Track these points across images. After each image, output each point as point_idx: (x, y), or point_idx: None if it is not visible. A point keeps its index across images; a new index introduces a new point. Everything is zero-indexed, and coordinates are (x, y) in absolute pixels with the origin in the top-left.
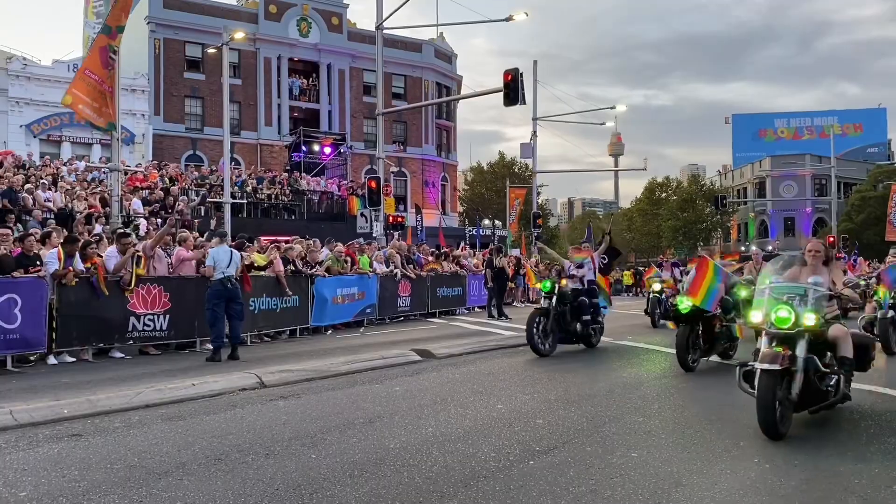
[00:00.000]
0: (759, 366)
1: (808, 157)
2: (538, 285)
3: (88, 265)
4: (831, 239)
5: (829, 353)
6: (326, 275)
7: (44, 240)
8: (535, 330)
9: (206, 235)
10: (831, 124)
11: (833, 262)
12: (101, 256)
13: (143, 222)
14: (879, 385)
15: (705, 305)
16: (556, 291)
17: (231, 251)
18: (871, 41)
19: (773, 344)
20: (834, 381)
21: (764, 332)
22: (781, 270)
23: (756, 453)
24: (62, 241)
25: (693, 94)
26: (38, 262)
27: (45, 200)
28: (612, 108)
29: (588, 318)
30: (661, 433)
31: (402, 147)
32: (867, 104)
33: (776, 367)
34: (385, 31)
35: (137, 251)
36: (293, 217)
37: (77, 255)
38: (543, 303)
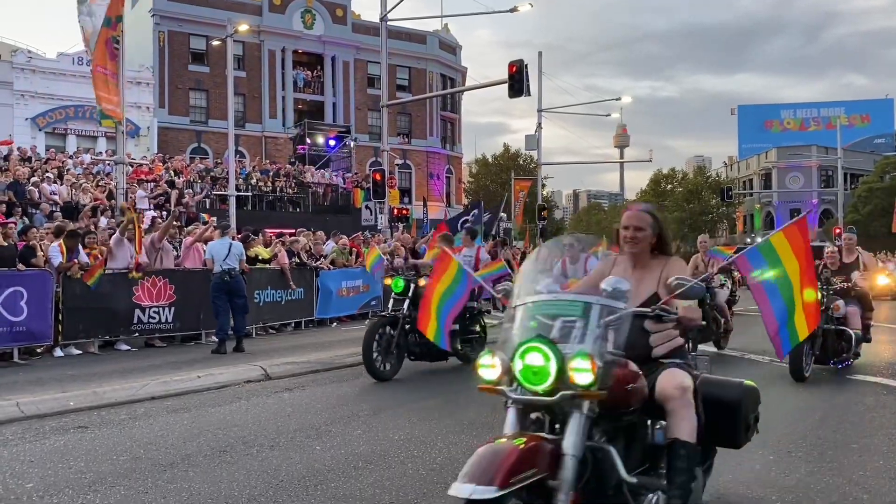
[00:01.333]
0: (456, 489)
1: (814, 149)
2: (388, 282)
3: (93, 259)
4: (837, 230)
5: (661, 425)
6: (331, 267)
7: (59, 233)
8: (374, 345)
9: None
10: (838, 115)
11: (671, 250)
12: (105, 248)
13: (148, 214)
14: (885, 377)
15: (438, 341)
16: (409, 293)
17: (230, 243)
18: (878, 31)
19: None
20: (655, 501)
21: (508, 401)
22: (562, 268)
23: (760, 445)
24: (64, 234)
25: (699, 85)
26: (37, 255)
27: (50, 193)
28: (617, 99)
29: (456, 326)
30: None
31: (406, 139)
32: (874, 95)
33: (489, 493)
34: (389, 23)
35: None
36: (298, 210)
37: (80, 248)
38: (391, 308)
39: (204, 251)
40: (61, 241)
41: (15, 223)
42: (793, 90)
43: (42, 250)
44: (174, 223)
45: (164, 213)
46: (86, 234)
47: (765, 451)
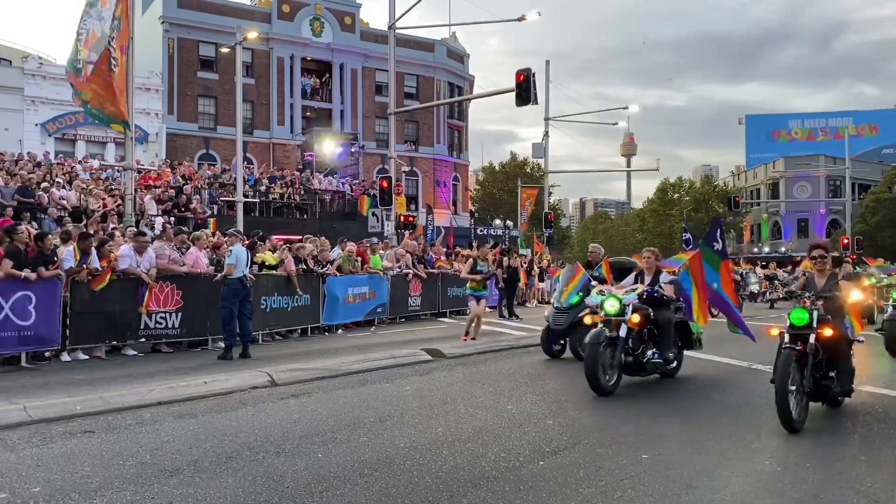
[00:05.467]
0: None
1: (822, 158)
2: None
3: (105, 263)
4: (845, 241)
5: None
6: (338, 274)
7: (65, 239)
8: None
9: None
10: (846, 125)
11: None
12: (115, 255)
13: (158, 220)
14: (893, 388)
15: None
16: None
17: (246, 250)
18: (890, 41)
19: None
20: None
21: None
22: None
23: (768, 455)
24: (76, 238)
25: (708, 94)
26: (54, 260)
27: (59, 198)
28: (624, 108)
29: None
30: (672, 435)
31: (413, 147)
32: (885, 105)
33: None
34: (398, 31)
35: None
36: (305, 216)
37: (94, 252)
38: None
39: (211, 257)
40: (74, 245)
41: (28, 229)
42: (803, 100)
43: (57, 256)
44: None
45: (172, 218)
46: (102, 243)
47: (772, 462)
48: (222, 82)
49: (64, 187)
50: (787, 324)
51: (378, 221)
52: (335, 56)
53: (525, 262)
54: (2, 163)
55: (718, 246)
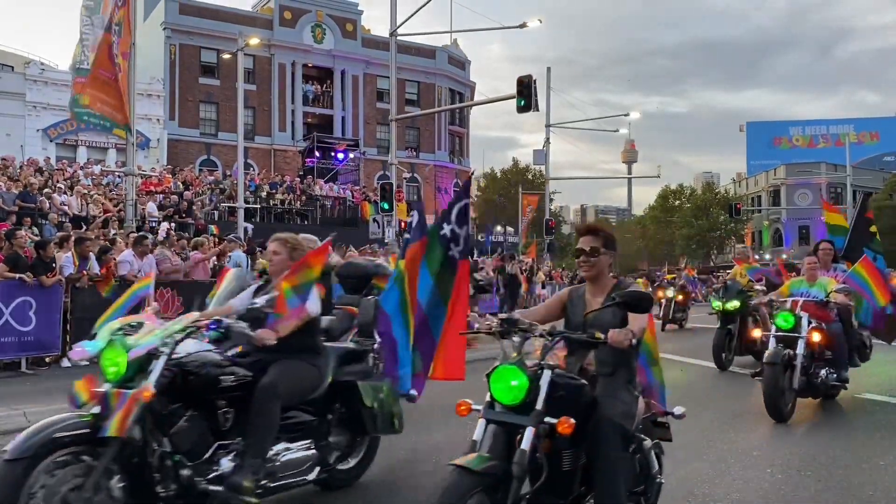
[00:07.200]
0: None
1: (823, 166)
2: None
3: (104, 271)
4: None
5: None
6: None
7: (62, 243)
8: None
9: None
10: (847, 132)
11: None
12: (115, 259)
13: (164, 226)
14: (894, 396)
15: None
16: None
17: (246, 256)
18: (891, 49)
19: None
20: None
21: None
22: None
23: (769, 463)
24: (74, 242)
25: (709, 101)
26: (53, 267)
27: (60, 204)
28: (625, 115)
29: None
30: (673, 442)
31: (414, 153)
32: (886, 112)
33: None
34: (399, 38)
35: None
36: (306, 222)
37: (93, 258)
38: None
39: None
40: (72, 250)
41: (27, 235)
42: (804, 106)
43: (56, 262)
44: None
45: (173, 224)
46: (103, 251)
47: (773, 469)
48: (224, 88)
49: (65, 193)
50: (488, 397)
51: (379, 228)
52: (336, 62)
53: (525, 269)
54: (5, 168)
55: (447, 231)
